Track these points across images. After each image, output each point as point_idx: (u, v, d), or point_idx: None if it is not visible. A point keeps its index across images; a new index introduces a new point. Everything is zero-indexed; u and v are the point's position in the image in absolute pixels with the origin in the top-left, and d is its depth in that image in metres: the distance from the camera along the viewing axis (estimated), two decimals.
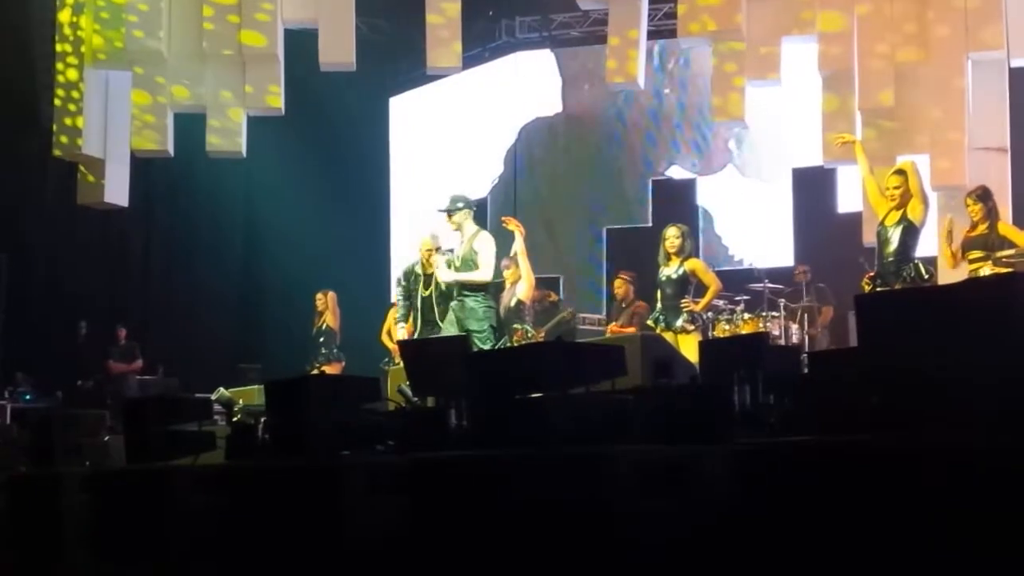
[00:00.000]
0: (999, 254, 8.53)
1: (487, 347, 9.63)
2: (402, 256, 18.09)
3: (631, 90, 14.03)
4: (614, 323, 12.08)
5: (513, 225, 11.07)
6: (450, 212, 10.05)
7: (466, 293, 9.86)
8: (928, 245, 9.42)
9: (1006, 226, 8.92)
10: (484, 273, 9.81)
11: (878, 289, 8.15)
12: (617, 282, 12.06)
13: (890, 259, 8.43)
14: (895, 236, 8.45)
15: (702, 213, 16.13)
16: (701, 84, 14.26)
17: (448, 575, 4.13)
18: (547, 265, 15.20)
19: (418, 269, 10.70)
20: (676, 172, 16.62)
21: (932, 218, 9.10)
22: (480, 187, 17.86)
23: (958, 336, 3.07)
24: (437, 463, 4.36)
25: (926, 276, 8.33)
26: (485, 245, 9.89)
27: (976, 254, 8.71)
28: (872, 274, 8.60)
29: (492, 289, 10.06)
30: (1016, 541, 2.71)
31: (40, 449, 7.29)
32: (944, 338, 3.10)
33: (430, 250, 10.30)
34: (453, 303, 9.89)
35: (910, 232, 8.44)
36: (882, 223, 8.61)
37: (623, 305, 12.20)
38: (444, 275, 9.99)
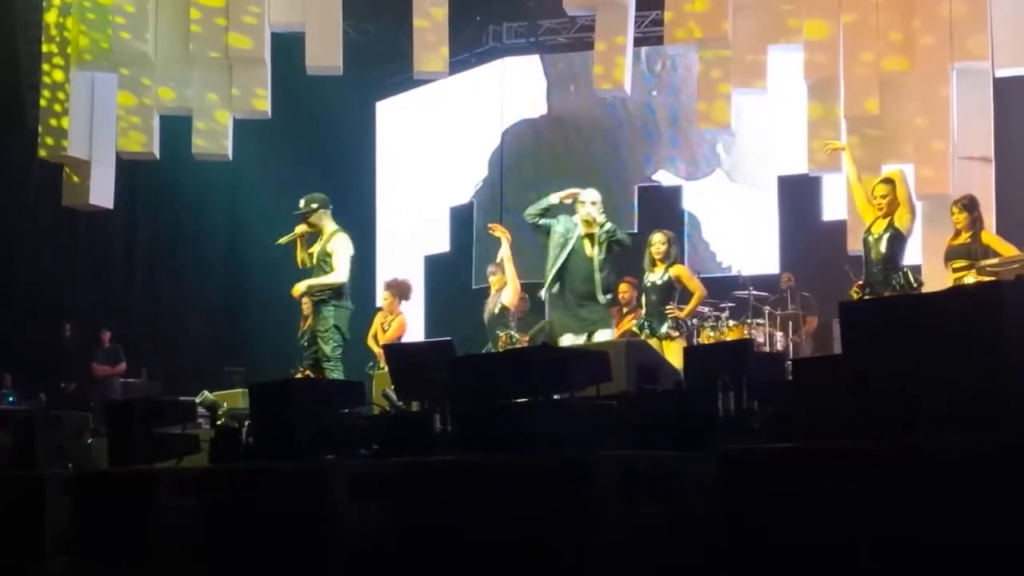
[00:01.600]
0: (983, 263, 8.55)
1: (329, 349, 9.62)
2: (388, 260, 18.11)
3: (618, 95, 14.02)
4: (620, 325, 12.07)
5: (499, 231, 11.09)
6: (306, 215, 9.96)
7: (316, 295, 9.84)
8: (913, 253, 9.45)
9: (989, 235, 8.96)
10: (338, 276, 9.77)
11: (866, 298, 8.18)
12: (623, 286, 12.05)
13: (878, 267, 8.46)
14: (883, 244, 8.47)
15: (688, 219, 16.12)
16: (690, 88, 14.22)
17: None
18: (533, 271, 15.18)
19: None
20: (664, 177, 16.59)
21: (917, 227, 9.14)
22: (466, 191, 17.87)
23: (941, 344, 3.09)
24: (421, 467, 4.36)
25: (915, 284, 8.35)
26: (340, 246, 9.84)
27: (960, 263, 8.74)
28: (861, 283, 8.62)
29: (347, 291, 9.93)
30: (999, 545, 2.73)
31: (23, 451, 7.26)
32: (928, 346, 3.12)
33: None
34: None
35: (897, 240, 8.47)
36: (869, 231, 8.64)
37: (624, 310, 12.19)
38: (299, 285, 9.92)
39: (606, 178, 16.76)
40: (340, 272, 9.76)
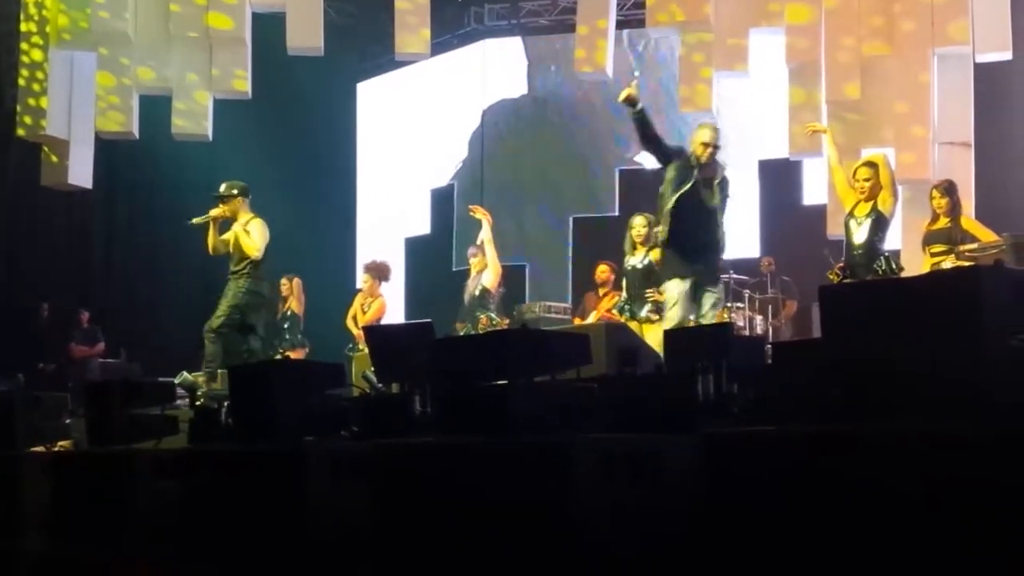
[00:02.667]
0: (962, 248, 8.58)
1: (216, 323, 9.69)
2: (368, 241, 18.09)
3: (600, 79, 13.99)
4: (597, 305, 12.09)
5: (480, 213, 11.08)
6: (224, 198, 9.96)
7: (230, 278, 9.89)
8: (892, 238, 9.47)
9: (969, 220, 8.99)
10: (255, 251, 9.78)
11: (846, 281, 8.19)
12: (602, 268, 12.07)
13: (859, 251, 8.46)
14: (865, 228, 8.48)
15: None
16: (673, 69, 14.15)
17: (411, 561, 4.13)
18: (513, 253, 15.19)
19: None
20: (646, 158, 16.52)
21: (896, 212, 9.16)
22: (447, 173, 17.85)
23: (920, 328, 3.10)
24: (401, 449, 4.36)
25: (896, 269, 8.37)
26: (258, 230, 9.87)
27: (939, 247, 8.76)
28: (841, 266, 8.63)
29: (256, 274, 9.94)
30: (979, 528, 2.74)
31: (1, 431, 7.23)
32: (907, 330, 3.13)
33: None
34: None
35: (880, 224, 8.48)
36: (851, 215, 8.64)
37: (601, 292, 12.19)
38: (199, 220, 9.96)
39: (587, 159, 16.77)
40: (253, 247, 9.78)
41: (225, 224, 10.05)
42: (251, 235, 9.77)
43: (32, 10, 13.27)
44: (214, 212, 9.99)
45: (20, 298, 16.21)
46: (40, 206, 16.32)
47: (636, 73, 16.46)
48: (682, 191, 8.56)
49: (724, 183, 8.79)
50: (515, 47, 17.42)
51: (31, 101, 13.10)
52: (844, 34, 11.74)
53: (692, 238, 8.49)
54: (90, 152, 13.61)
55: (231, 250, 9.91)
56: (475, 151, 17.59)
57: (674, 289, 8.46)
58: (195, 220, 10.14)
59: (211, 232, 10.08)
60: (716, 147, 8.72)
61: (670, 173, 8.69)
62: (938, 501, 2.80)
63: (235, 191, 9.97)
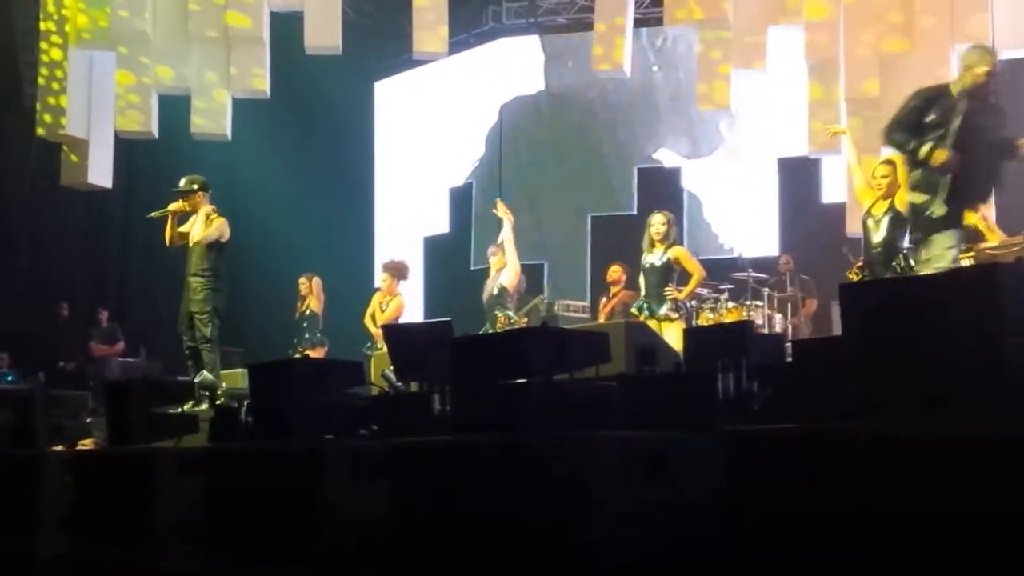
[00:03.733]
0: (982, 246, 8.55)
1: (208, 331, 9.68)
2: (386, 240, 18.11)
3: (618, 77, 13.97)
4: (605, 305, 12.15)
5: (503, 212, 11.07)
6: (185, 194, 10.03)
7: (191, 276, 9.95)
8: None
9: (972, 216, 8.91)
10: (213, 232, 9.86)
11: (865, 279, 8.16)
12: (615, 268, 12.13)
13: (878, 249, 8.43)
14: (883, 226, 8.44)
15: (689, 199, 16.06)
16: (692, 64, 14.08)
17: (430, 559, 4.13)
18: (531, 251, 15.19)
19: None
20: (665, 155, 16.50)
21: None
22: (465, 171, 17.85)
23: (941, 325, 3.09)
24: (420, 448, 4.36)
25: (915, 266, 8.34)
26: (220, 228, 9.95)
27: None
28: (860, 264, 8.60)
29: (221, 272, 10.03)
30: (997, 524, 2.73)
31: (22, 430, 7.27)
32: (927, 327, 3.12)
33: None
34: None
35: (898, 222, 8.44)
36: (869, 213, 8.61)
37: (612, 291, 12.24)
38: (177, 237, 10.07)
39: (605, 157, 16.73)
40: (214, 233, 9.86)
41: (184, 218, 10.14)
42: (217, 223, 9.88)
43: (51, 9, 13.31)
44: (173, 206, 10.11)
45: (40, 297, 16.27)
46: (60, 206, 16.39)
47: (655, 68, 16.42)
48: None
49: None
50: (533, 46, 17.40)
51: (51, 100, 13.15)
52: (863, 30, 11.70)
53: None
54: (109, 151, 13.66)
55: (191, 244, 9.96)
56: (492, 149, 17.58)
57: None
58: (154, 214, 10.26)
59: (169, 225, 10.16)
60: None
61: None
62: (959, 499, 2.79)
63: (195, 186, 10.06)
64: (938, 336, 3.08)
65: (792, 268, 12.65)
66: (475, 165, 17.77)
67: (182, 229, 10.09)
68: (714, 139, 16.06)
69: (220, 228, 9.89)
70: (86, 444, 7.40)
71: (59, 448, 7.15)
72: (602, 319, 11.56)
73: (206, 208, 9.98)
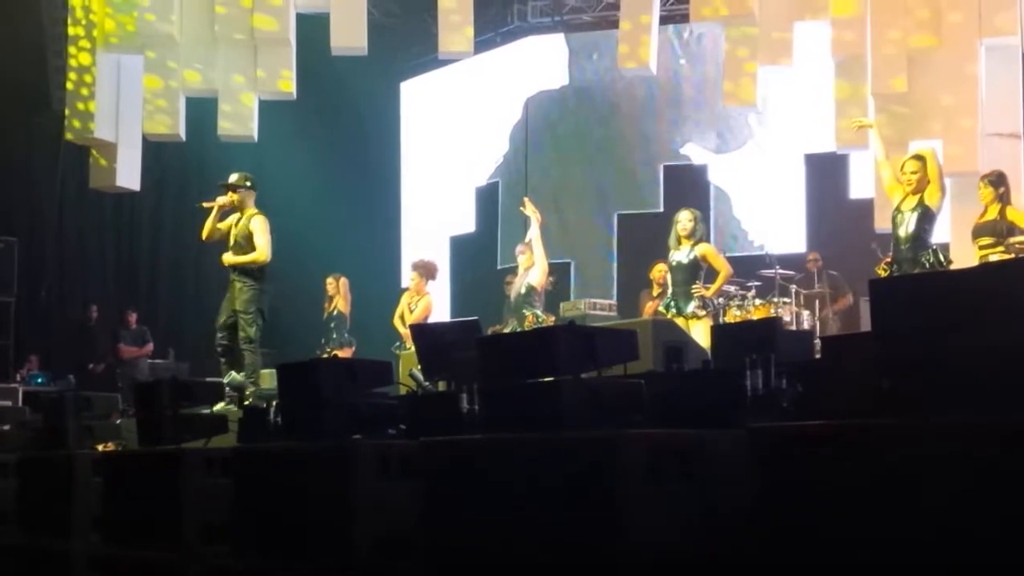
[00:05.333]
0: (1011, 240, 8.50)
1: (252, 332, 9.65)
2: (412, 240, 18.13)
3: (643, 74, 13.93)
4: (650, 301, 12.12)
5: (530, 210, 11.08)
6: (234, 187, 10.00)
7: (236, 275, 9.86)
8: (941, 231, 9.40)
9: (1015, 211, 8.88)
10: (259, 255, 9.78)
11: (894, 274, 8.13)
12: (662, 265, 12.15)
13: (906, 245, 8.40)
14: (912, 221, 8.41)
15: (717, 195, 15.98)
16: (719, 56, 14.00)
17: (459, 558, 4.14)
18: (557, 250, 15.18)
19: None
20: (692, 150, 16.41)
21: (945, 205, 9.07)
22: (491, 171, 17.84)
23: (971, 321, 3.07)
24: (448, 446, 4.37)
25: (944, 262, 8.30)
26: (262, 227, 9.87)
27: (986, 240, 8.69)
28: (889, 259, 8.57)
29: (267, 272, 9.97)
30: None
31: (53, 431, 7.32)
32: (957, 323, 3.10)
33: None
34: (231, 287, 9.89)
35: (927, 218, 8.41)
36: (898, 208, 8.58)
37: (656, 292, 12.22)
38: (225, 258, 9.95)
39: (631, 153, 16.68)
40: (263, 251, 9.80)
41: (227, 213, 10.13)
42: (263, 235, 9.81)
43: (79, 14, 13.39)
44: (222, 199, 10.08)
45: (70, 300, 16.38)
46: (89, 209, 16.49)
47: (682, 61, 16.34)
48: None
49: None
50: (558, 44, 17.38)
51: (79, 105, 13.22)
52: (890, 26, 11.64)
53: None
54: (138, 154, 13.73)
55: (231, 241, 9.94)
56: (518, 145, 17.55)
57: None
58: (204, 203, 10.24)
59: (212, 218, 10.14)
60: None
61: None
62: (989, 495, 2.78)
63: (247, 182, 10.04)
64: (969, 331, 3.07)
65: (820, 265, 12.61)
66: (500, 163, 17.75)
67: (222, 225, 10.08)
68: (743, 133, 15.96)
69: (268, 243, 9.84)
70: (108, 448, 7.43)
71: (90, 449, 7.18)
72: (645, 315, 11.55)
73: (250, 210, 9.98)
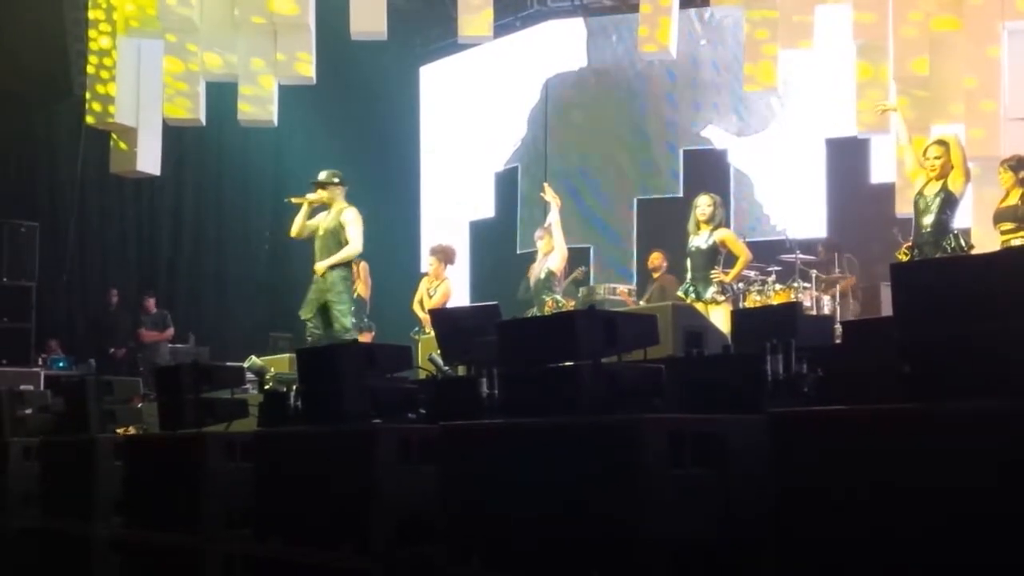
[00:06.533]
0: None
1: (346, 322, 9.72)
2: (432, 225, 18.14)
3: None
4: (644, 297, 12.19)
5: (550, 195, 11.08)
6: (324, 184, 10.09)
7: (331, 267, 9.97)
8: (963, 216, 9.36)
9: None
10: (354, 247, 9.95)
11: (915, 259, 8.10)
12: (657, 254, 12.20)
13: (928, 229, 8.37)
14: (934, 206, 8.38)
15: (737, 178, 15.93)
16: (741, 36, 13.94)
17: (479, 542, 4.14)
18: (577, 235, 15.17)
19: None
20: (713, 133, 16.33)
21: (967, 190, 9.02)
22: (511, 154, 17.82)
23: (993, 305, 3.05)
24: (468, 431, 4.37)
25: (966, 247, 8.26)
26: (354, 220, 10.01)
27: (1007, 225, 8.65)
28: (910, 244, 8.54)
29: (350, 263, 10.13)
30: None
31: (75, 415, 7.35)
32: (979, 307, 3.09)
33: None
34: (316, 277, 9.97)
35: (949, 203, 8.38)
36: (920, 193, 8.55)
37: (654, 276, 12.29)
38: (318, 267, 10.05)
39: (650, 136, 16.63)
40: (356, 243, 9.95)
41: (317, 210, 10.25)
42: (354, 227, 9.98)
43: None
44: (312, 196, 10.21)
45: (91, 284, 16.44)
46: (109, 193, 16.54)
47: (703, 42, 16.25)
48: None
49: None
50: (578, 28, 17.34)
51: (100, 89, 13.25)
52: (911, 9, 11.59)
53: None
54: (158, 139, 13.76)
55: (322, 239, 10.03)
56: (537, 128, 17.52)
57: None
58: (293, 199, 10.33)
59: (302, 215, 10.23)
60: None
61: None
62: (1010, 480, 2.77)
63: (335, 179, 10.14)
64: (990, 316, 3.05)
65: (823, 256, 12.42)
66: (518, 147, 17.72)
67: (311, 222, 10.19)
68: (765, 115, 15.89)
69: (360, 237, 9.98)
70: (129, 431, 7.46)
71: (112, 433, 7.21)
72: (642, 304, 11.58)
73: (340, 205, 10.08)
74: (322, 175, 10.19)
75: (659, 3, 12.68)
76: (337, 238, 9.95)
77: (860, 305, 12.45)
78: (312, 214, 10.22)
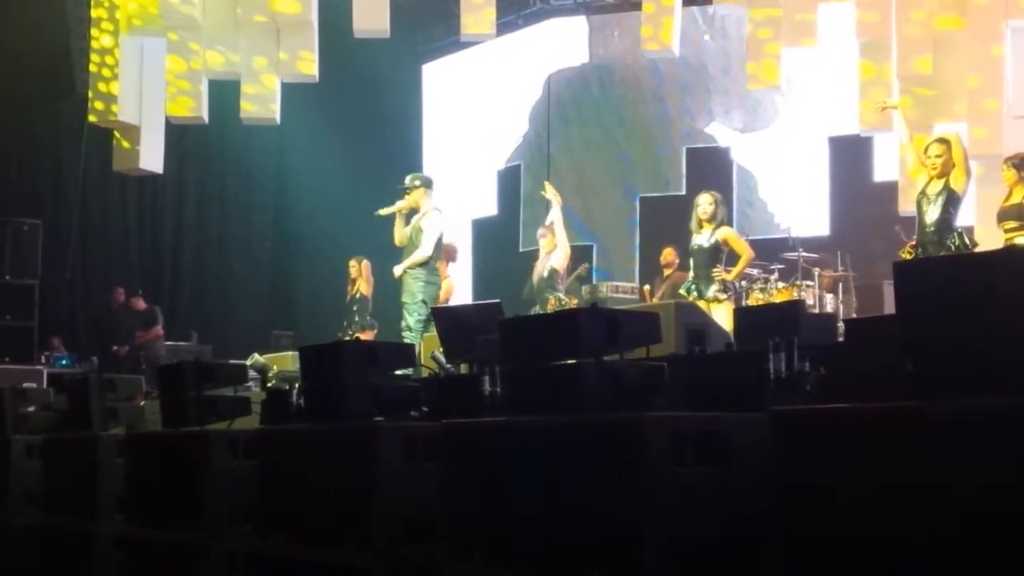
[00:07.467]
0: None
1: (412, 320, 9.85)
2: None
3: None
4: (659, 286, 12.18)
5: (552, 193, 11.08)
6: (407, 190, 10.27)
7: (410, 267, 10.22)
8: (966, 214, 9.35)
9: None
10: (423, 251, 10.16)
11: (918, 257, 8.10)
12: (669, 250, 12.17)
13: (931, 228, 8.37)
14: (937, 205, 8.38)
15: (740, 176, 15.91)
16: (744, 31, 13.92)
17: (481, 540, 4.14)
18: (579, 233, 15.16)
19: None
20: (717, 129, 16.31)
21: (970, 188, 9.01)
22: (513, 151, 17.81)
23: (995, 303, 3.05)
24: (470, 429, 4.37)
25: (970, 245, 8.26)
26: (431, 224, 10.23)
27: (1011, 223, 8.64)
28: (913, 243, 8.53)
29: (432, 266, 10.34)
30: None
31: (78, 413, 7.35)
32: (981, 305, 3.08)
33: None
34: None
35: (952, 201, 8.38)
36: (923, 192, 8.54)
37: (665, 273, 12.26)
38: (395, 271, 10.31)
39: (653, 133, 16.61)
40: (425, 248, 10.17)
41: (410, 215, 10.48)
42: (428, 233, 10.20)
43: None
44: (399, 204, 10.43)
45: (94, 282, 16.44)
46: (112, 191, 16.55)
47: (706, 38, 16.23)
48: None
49: None
50: (580, 25, 17.32)
51: (102, 87, 13.24)
52: (914, 7, 11.58)
53: None
54: (160, 137, 13.75)
55: (409, 242, 10.36)
56: (539, 125, 17.50)
57: None
58: (382, 211, 10.52)
59: (397, 223, 10.48)
60: None
61: None
62: (1014, 478, 2.77)
63: (417, 183, 10.32)
64: (993, 314, 3.05)
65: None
66: (521, 144, 17.70)
67: (406, 229, 10.45)
68: (768, 113, 15.87)
69: (432, 241, 10.22)
70: (139, 427, 7.46)
71: (114, 431, 7.22)
72: (654, 301, 11.55)
73: (425, 208, 10.29)
74: (405, 180, 10.50)
75: (662, 3, 12.67)
76: (416, 242, 10.14)
77: (859, 302, 12.38)
78: (408, 218, 10.47)
